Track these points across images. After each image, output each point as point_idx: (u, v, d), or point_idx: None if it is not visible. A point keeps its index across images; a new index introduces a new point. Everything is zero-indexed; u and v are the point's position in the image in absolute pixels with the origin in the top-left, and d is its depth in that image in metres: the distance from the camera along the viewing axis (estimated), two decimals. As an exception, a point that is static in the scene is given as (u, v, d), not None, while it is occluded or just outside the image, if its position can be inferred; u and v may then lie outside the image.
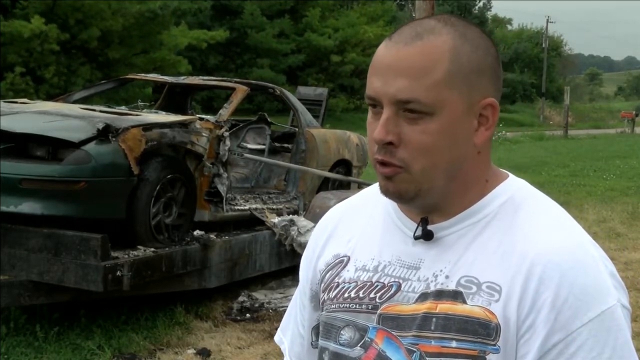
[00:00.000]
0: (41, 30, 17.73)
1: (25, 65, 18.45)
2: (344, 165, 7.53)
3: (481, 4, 64.02)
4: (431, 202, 1.12)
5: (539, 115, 52.17)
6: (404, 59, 1.06)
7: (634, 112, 42.57)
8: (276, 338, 1.39)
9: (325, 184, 7.22)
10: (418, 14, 7.79)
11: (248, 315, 5.74)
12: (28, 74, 18.49)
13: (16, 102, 6.17)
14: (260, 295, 6.15)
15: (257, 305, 5.92)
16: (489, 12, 67.68)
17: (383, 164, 1.09)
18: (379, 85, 1.07)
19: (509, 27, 70.53)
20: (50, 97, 12.95)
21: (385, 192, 1.12)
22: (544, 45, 57.41)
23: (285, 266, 6.39)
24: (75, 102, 6.82)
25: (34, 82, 18.64)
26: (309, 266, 1.29)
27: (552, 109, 55.12)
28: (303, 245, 5.93)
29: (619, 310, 1.05)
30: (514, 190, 1.14)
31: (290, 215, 6.31)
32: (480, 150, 1.11)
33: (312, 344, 1.29)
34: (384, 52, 1.09)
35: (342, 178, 7.29)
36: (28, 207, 4.81)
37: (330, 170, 7.21)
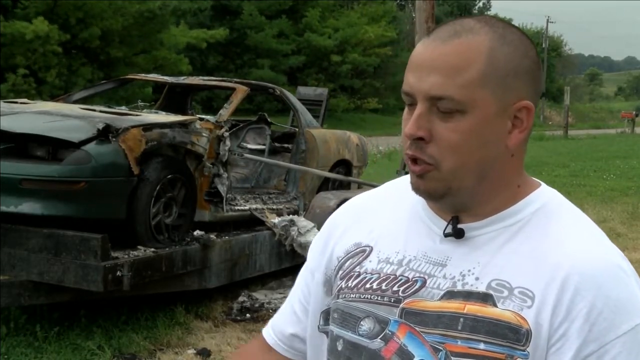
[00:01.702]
0: (43, 32, 17.72)
1: (27, 67, 18.45)
2: (344, 166, 7.52)
3: (481, 4, 64.19)
4: (461, 201, 1.12)
5: (539, 115, 52.18)
6: (439, 56, 1.07)
7: (634, 112, 42.60)
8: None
9: (325, 184, 7.21)
10: (418, 14, 7.79)
11: (248, 315, 5.74)
12: (30, 76, 18.50)
13: (16, 102, 6.17)
14: (260, 295, 6.15)
15: (257, 305, 5.92)
16: (488, 12, 67.75)
17: (414, 161, 1.10)
18: (413, 81, 1.08)
19: (509, 27, 70.22)
20: (51, 98, 12.94)
21: (416, 190, 1.13)
22: (544, 46, 57.43)
23: (285, 266, 6.38)
24: (75, 102, 6.81)
25: (36, 84, 18.64)
26: (324, 251, 1.27)
27: (552, 109, 55.19)
28: (303, 246, 5.96)
29: None
30: (547, 199, 1.15)
31: (290, 216, 6.30)
32: (513, 153, 1.12)
33: (318, 327, 1.27)
34: (422, 49, 1.10)
35: (342, 178, 7.29)
36: (28, 207, 4.80)
37: (330, 171, 7.20)
